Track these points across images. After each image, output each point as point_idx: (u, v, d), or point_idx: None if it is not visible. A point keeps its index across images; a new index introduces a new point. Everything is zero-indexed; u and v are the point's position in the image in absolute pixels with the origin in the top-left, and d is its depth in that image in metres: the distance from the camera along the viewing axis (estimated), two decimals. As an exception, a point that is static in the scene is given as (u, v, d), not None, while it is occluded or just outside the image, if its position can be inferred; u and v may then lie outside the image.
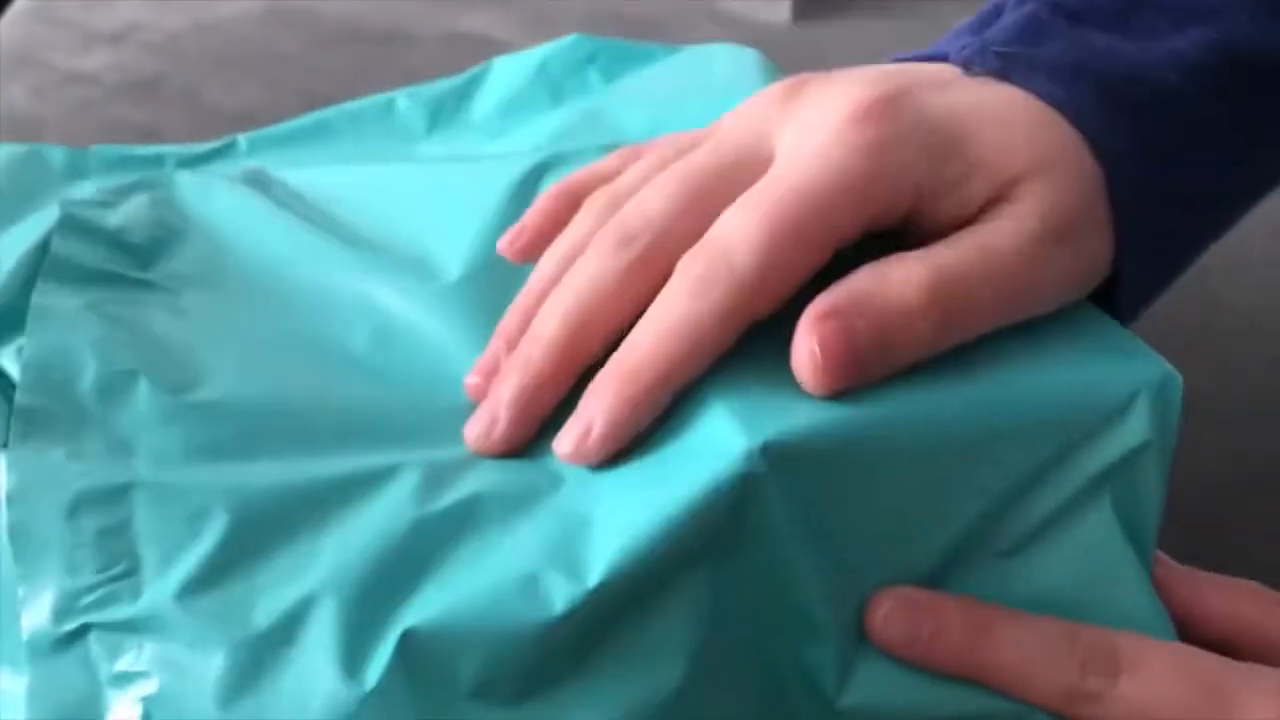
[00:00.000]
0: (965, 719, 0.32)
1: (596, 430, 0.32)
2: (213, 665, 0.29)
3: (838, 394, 0.32)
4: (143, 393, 0.35)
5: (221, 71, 0.68)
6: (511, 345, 0.35)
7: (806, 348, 0.32)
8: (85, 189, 0.43)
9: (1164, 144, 0.37)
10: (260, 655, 0.29)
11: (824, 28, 0.75)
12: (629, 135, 0.47)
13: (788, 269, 0.33)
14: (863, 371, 0.32)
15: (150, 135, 0.60)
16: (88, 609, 0.31)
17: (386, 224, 0.42)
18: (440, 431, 0.35)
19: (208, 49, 0.70)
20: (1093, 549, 0.33)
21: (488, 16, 0.73)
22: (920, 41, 0.74)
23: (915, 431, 0.32)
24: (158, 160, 0.51)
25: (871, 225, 0.35)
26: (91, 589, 0.31)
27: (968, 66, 0.37)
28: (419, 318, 0.38)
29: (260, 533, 0.31)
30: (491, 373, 0.35)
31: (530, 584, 0.30)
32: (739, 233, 0.33)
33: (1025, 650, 0.32)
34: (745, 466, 0.31)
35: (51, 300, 0.38)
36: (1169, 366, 0.34)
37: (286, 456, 0.34)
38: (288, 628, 0.30)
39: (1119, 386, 0.33)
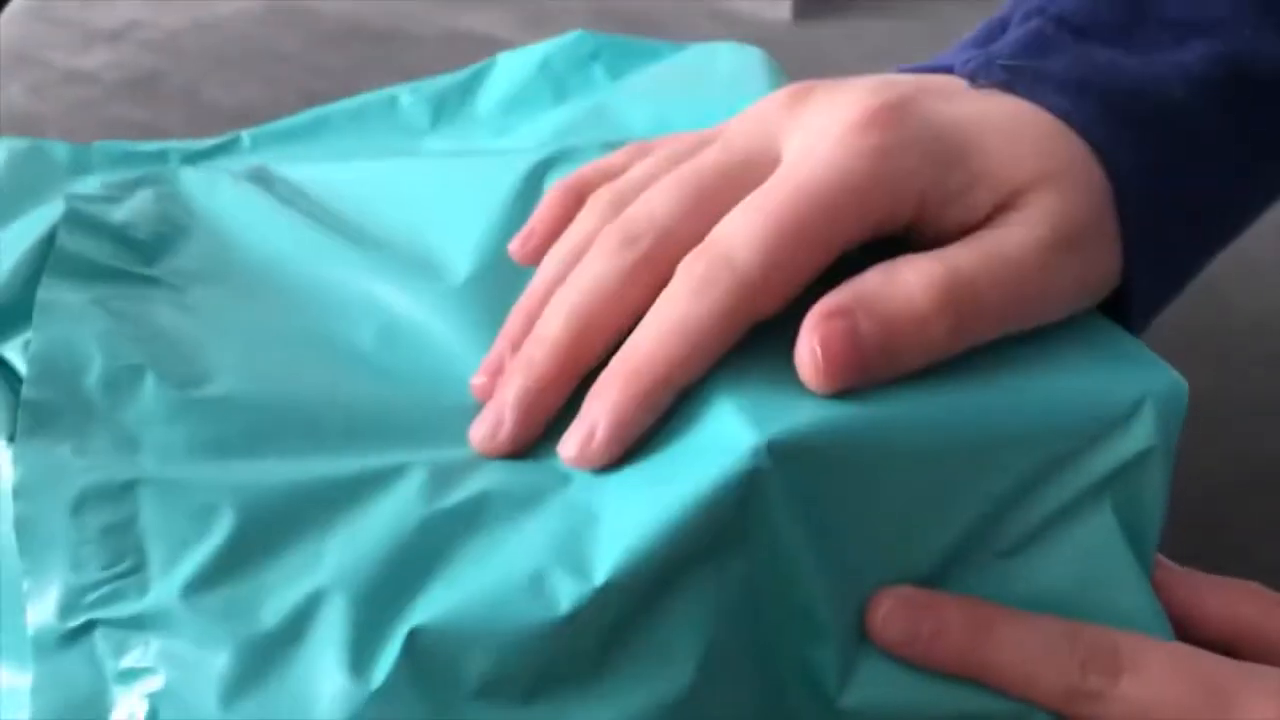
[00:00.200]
0: (966, 718, 0.32)
1: (600, 434, 0.32)
2: (219, 662, 0.29)
3: (841, 393, 0.32)
4: (149, 388, 0.35)
5: (221, 70, 0.68)
6: (516, 346, 0.35)
7: (809, 346, 0.32)
8: (89, 184, 0.43)
9: (1169, 157, 0.37)
10: (267, 653, 0.29)
11: (824, 27, 0.75)
12: (633, 132, 0.47)
13: (790, 269, 0.33)
14: (866, 371, 0.32)
15: (149, 133, 0.60)
16: (94, 605, 0.30)
17: (391, 221, 0.42)
18: (447, 431, 0.35)
19: (207, 47, 0.70)
20: (1092, 551, 0.33)
21: (488, 15, 0.73)
22: (920, 41, 0.74)
23: (920, 433, 0.32)
24: (161, 156, 0.51)
25: (876, 231, 0.35)
26: (97, 585, 0.31)
27: (973, 79, 0.37)
28: (425, 317, 0.38)
29: (268, 530, 0.31)
30: (497, 373, 0.35)
31: (537, 583, 0.30)
32: (742, 232, 0.33)
33: (1026, 649, 0.32)
34: (752, 462, 0.31)
35: (57, 295, 0.37)
36: (1176, 375, 0.34)
37: (293, 454, 0.34)
38: (294, 626, 0.30)
39: (1126, 393, 0.33)
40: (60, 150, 0.49)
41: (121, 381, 0.35)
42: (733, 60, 0.53)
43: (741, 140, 0.37)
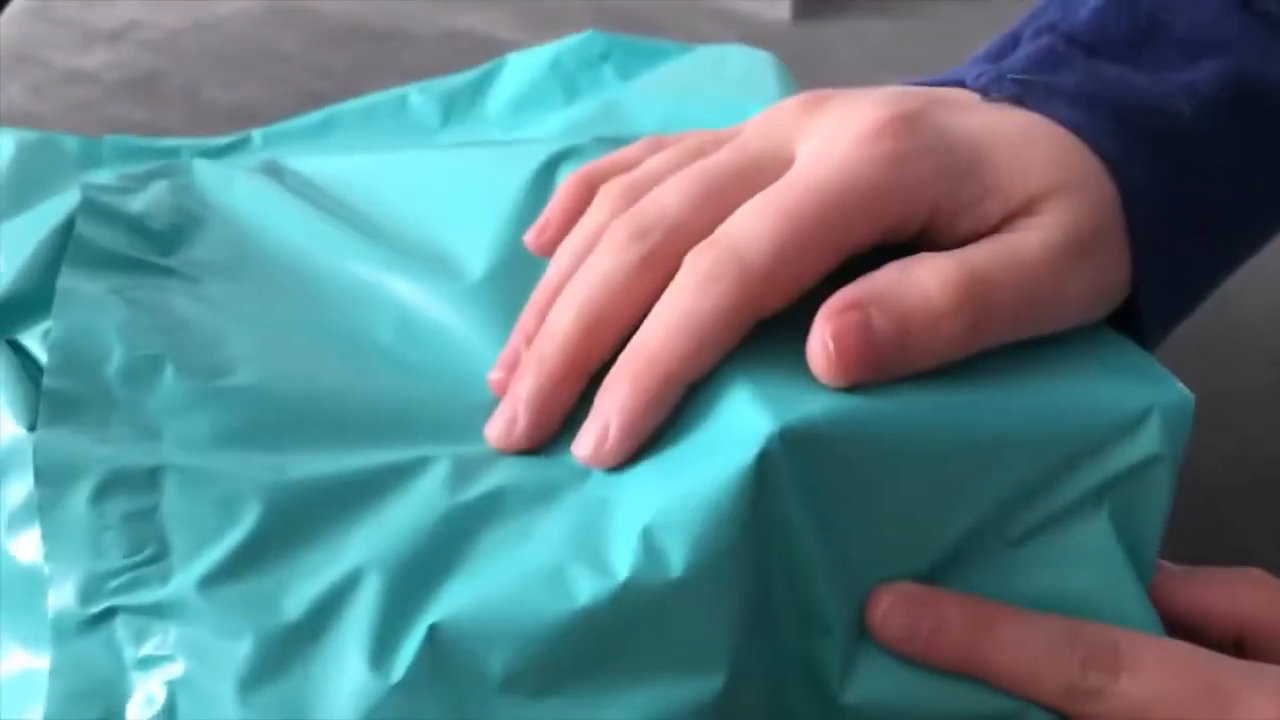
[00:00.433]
0: (966, 716, 0.32)
1: (613, 433, 0.33)
2: (239, 652, 0.29)
3: (852, 387, 0.32)
4: (169, 378, 0.35)
5: (221, 69, 0.68)
6: (530, 340, 0.36)
7: (821, 339, 0.32)
8: (103, 176, 0.43)
9: (1179, 172, 0.37)
10: (287, 644, 0.29)
11: (824, 27, 0.75)
12: (643, 130, 0.48)
13: (797, 266, 0.33)
14: (878, 366, 0.32)
15: (149, 133, 0.60)
16: (115, 592, 0.31)
17: (404, 214, 0.42)
18: (467, 426, 0.35)
19: (207, 47, 0.70)
20: (1087, 556, 0.33)
21: (487, 14, 0.73)
22: (920, 41, 0.74)
23: (929, 431, 0.32)
24: (173, 153, 0.51)
25: (885, 237, 0.35)
26: (119, 572, 0.31)
27: (985, 92, 0.38)
28: (444, 313, 0.39)
29: (292, 523, 0.31)
30: (513, 367, 0.36)
31: (556, 578, 0.30)
32: (750, 228, 0.34)
33: (1026, 647, 0.32)
34: (765, 448, 0.31)
35: (77, 283, 0.37)
36: (1183, 389, 0.34)
37: (315, 446, 0.34)
38: (317, 618, 0.30)
39: (1133, 403, 0.33)
40: (70, 143, 0.49)
41: (141, 371, 0.35)
42: (743, 63, 0.53)
43: (756, 141, 0.37)
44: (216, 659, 0.29)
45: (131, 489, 0.32)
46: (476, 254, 0.40)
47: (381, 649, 0.29)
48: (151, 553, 0.31)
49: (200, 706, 0.29)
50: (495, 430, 0.34)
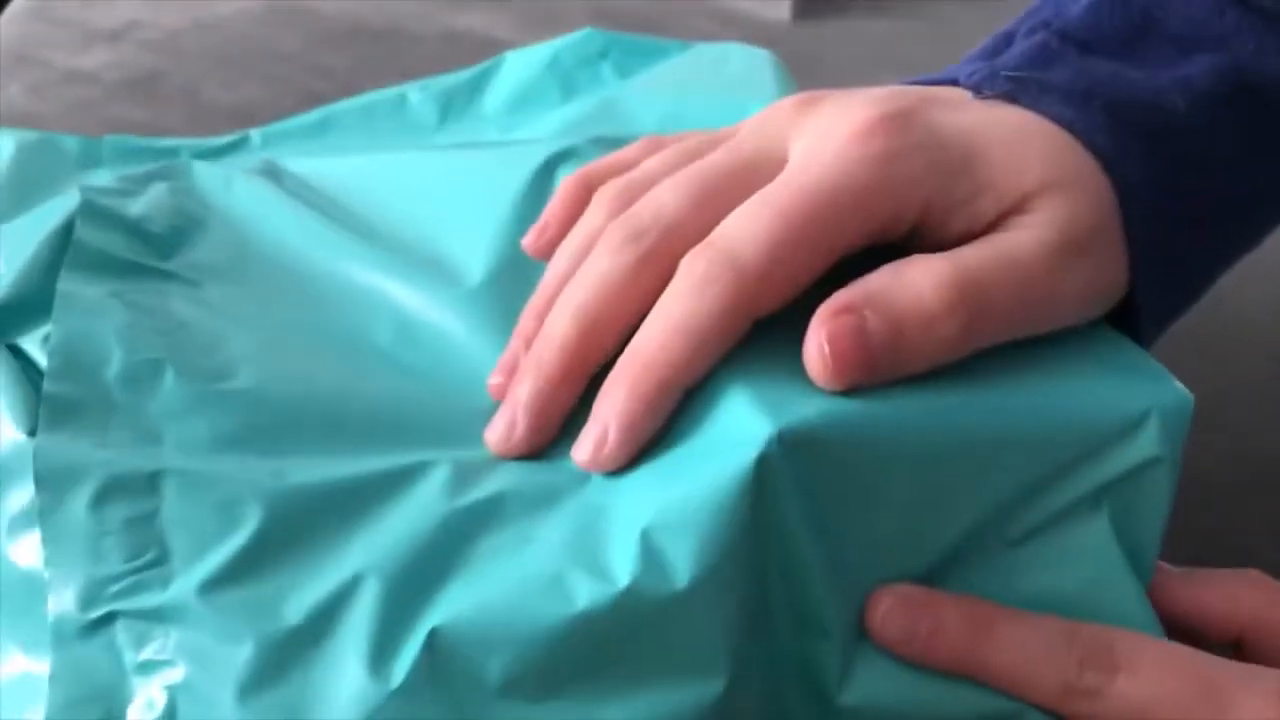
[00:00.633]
0: (964, 717, 0.32)
1: (611, 438, 0.33)
2: (239, 657, 0.29)
3: (848, 390, 0.32)
4: (169, 382, 0.35)
5: (221, 69, 0.68)
6: (529, 344, 0.36)
7: (817, 342, 0.32)
8: (103, 176, 0.43)
9: (1174, 167, 0.37)
10: (287, 649, 0.29)
11: (824, 26, 0.75)
12: (642, 128, 0.48)
13: (791, 267, 0.33)
14: (874, 368, 0.32)
15: (149, 133, 0.60)
16: (115, 597, 0.31)
17: (402, 216, 0.42)
18: (467, 431, 0.35)
19: (207, 47, 0.70)
20: (1086, 557, 0.33)
21: (486, 14, 0.73)
22: (919, 41, 0.74)
23: (926, 433, 0.32)
24: (172, 153, 0.51)
25: (879, 235, 0.35)
26: (119, 577, 0.31)
27: (978, 90, 0.37)
28: (443, 317, 0.39)
29: (293, 528, 0.31)
30: (512, 371, 0.36)
31: (555, 583, 0.30)
32: (744, 229, 0.34)
33: (1024, 648, 0.32)
34: (763, 451, 0.31)
35: (76, 287, 0.37)
36: (1182, 389, 0.34)
37: (316, 450, 0.34)
38: (317, 623, 0.30)
39: (1132, 404, 0.33)
40: (70, 143, 0.49)
41: (141, 375, 0.35)
42: (742, 61, 0.53)
43: (751, 141, 0.37)
44: (216, 664, 0.29)
45: (132, 494, 0.32)
46: (475, 257, 0.40)
47: (381, 654, 0.29)
48: (152, 557, 0.31)
49: (200, 711, 0.29)
50: (494, 434, 0.34)
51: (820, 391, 0.32)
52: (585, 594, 0.30)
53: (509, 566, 0.31)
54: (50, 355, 0.35)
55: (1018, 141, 0.36)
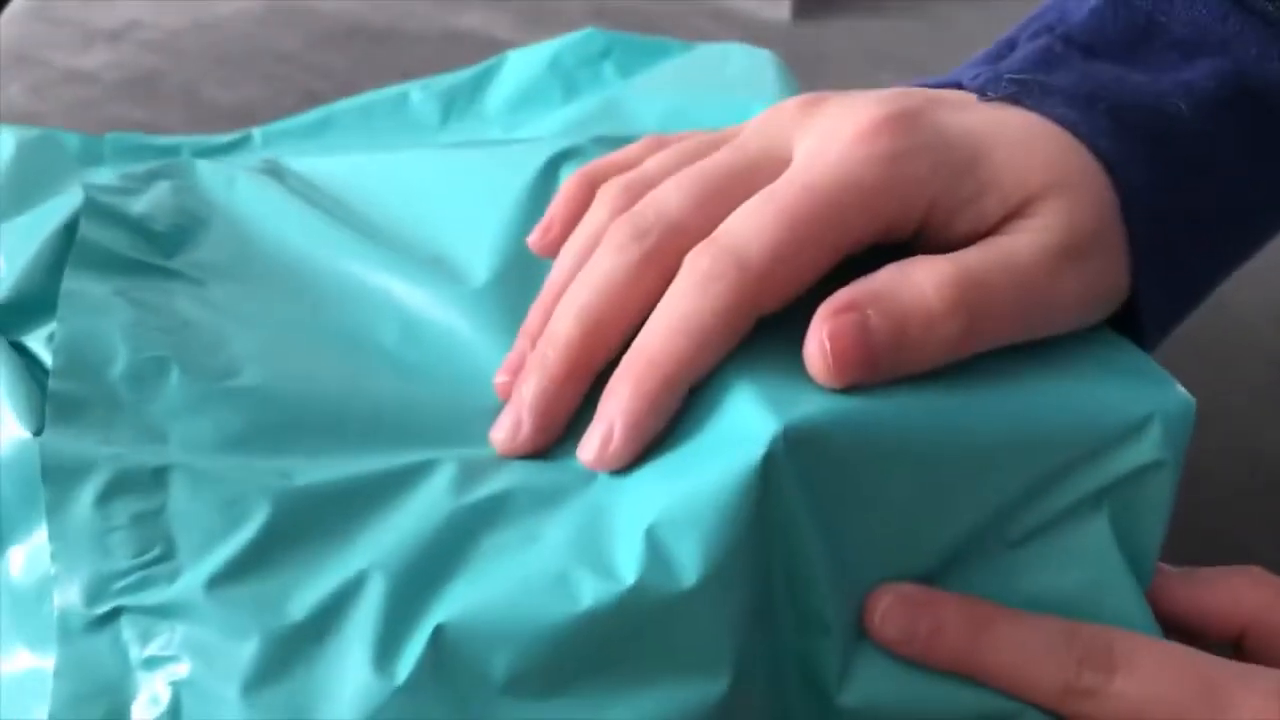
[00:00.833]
0: (963, 717, 0.32)
1: (617, 437, 0.33)
2: (244, 653, 0.29)
3: (849, 388, 0.32)
4: (174, 380, 0.35)
5: (221, 69, 0.68)
6: (535, 342, 0.36)
7: (818, 340, 0.32)
8: (105, 174, 0.43)
9: (1176, 170, 0.37)
10: (292, 645, 0.29)
11: (823, 26, 0.75)
12: (644, 128, 0.48)
13: (795, 265, 0.34)
14: (875, 367, 0.32)
15: (150, 133, 0.60)
16: (122, 592, 0.31)
17: (407, 217, 0.42)
18: (473, 429, 0.35)
19: (207, 46, 0.70)
20: (1086, 559, 0.33)
21: (486, 14, 0.73)
22: (919, 41, 0.74)
23: (929, 433, 0.32)
24: (173, 151, 0.51)
25: (883, 235, 0.35)
26: (126, 573, 0.31)
27: (983, 93, 0.38)
28: (449, 316, 0.39)
29: (299, 525, 0.31)
30: (518, 370, 0.36)
31: (560, 580, 0.30)
32: (748, 227, 0.34)
33: (1023, 648, 0.32)
34: (768, 448, 0.31)
35: (81, 286, 0.37)
36: (1185, 393, 0.34)
37: (321, 448, 0.34)
38: (322, 619, 0.30)
39: (1135, 408, 0.33)
40: (71, 140, 0.49)
41: (147, 373, 0.35)
42: (743, 61, 0.53)
43: (755, 141, 0.37)
44: (221, 659, 0.29)
45: (138, 490, 0.32)
46: (480, 255, 0.40)
47: (385, 651, 0.29)
48: (158, 553, 0.31)
49: (205, 706, 0.29)
50: (500, 434, 0.34)
51: (824, 390, 0.32)
52: (590, 592, 0.30)
53: (514, 564, 0.31)
54: (55, 353, 0.35)
55: (1022, 143, 0.36)
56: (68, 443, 0.33)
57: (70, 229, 0.39)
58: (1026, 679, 0.32)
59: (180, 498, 0.32)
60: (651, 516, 0.31)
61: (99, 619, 0.30)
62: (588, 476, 0.33)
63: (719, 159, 0.37)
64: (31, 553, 0.33)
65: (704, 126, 0.43)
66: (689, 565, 0.30)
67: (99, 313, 0.37)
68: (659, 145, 0.40)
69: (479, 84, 0.54)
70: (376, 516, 0.32)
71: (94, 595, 0.31)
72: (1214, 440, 0.51)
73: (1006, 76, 0.38)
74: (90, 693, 0.30)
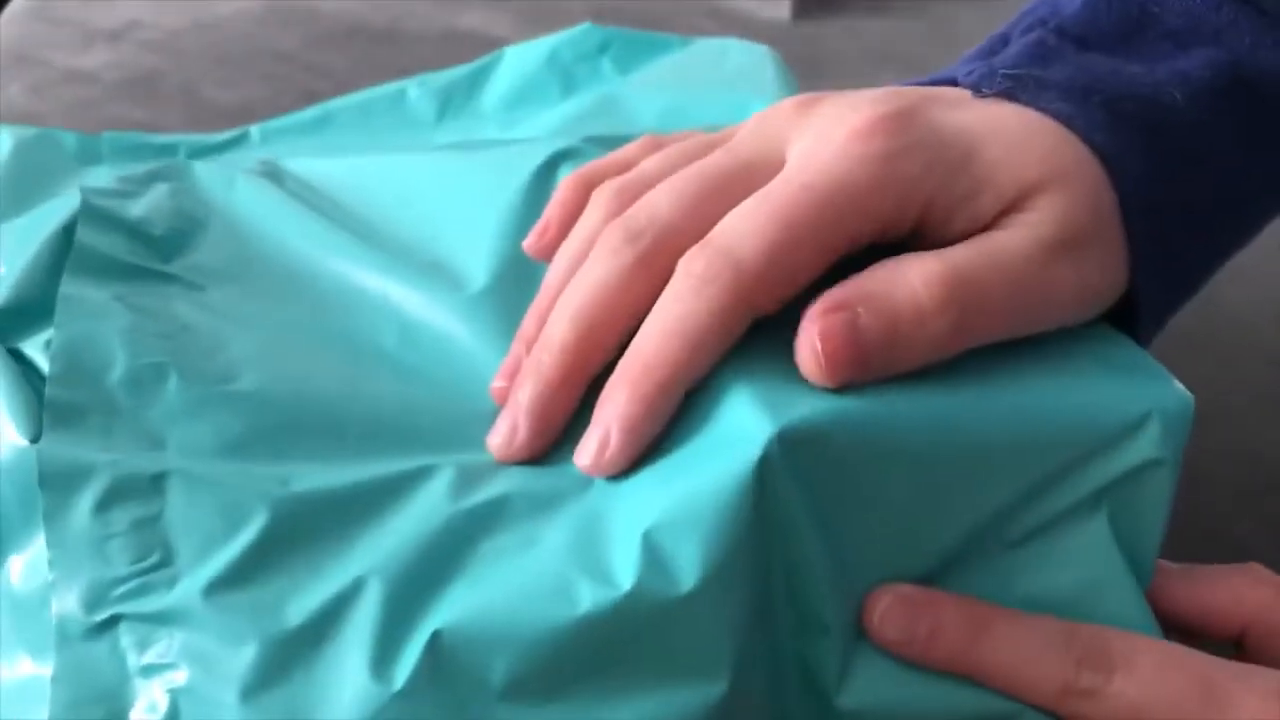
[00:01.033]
0: (962, 718, 0.32)
1: (613, 442, 0.33)
2: (242, 659, 0.29)
3: (842, 387, 0.32)
4: (172, 385, 0.35)
5: (221, 69, 0.68)
6: (530, 347, 0.36)
7: (809, 339, 0.32)
8: (102, 176, 0.43)
9: (1172, 161, 0.37)
10: (290, 651, 0.29)
11: (823, 26, 0.75)
12: (642, 123, 0.47)
13: (789, 267, 0.33)
14: (866, 366, 0.32)
15: (150, 132, 0.60)
16: (120, 599, 0.31)
17: (404, 218, 0.42)
18: (470, 434, 0.35)
19: (207, 47, 0.70)
20: (1085, 559, 0.33)
21: (487, 14, 0.73)
22: (919, 40, 0.74)
23: (926, 433, 0.32)
24: (170, 150, 0.51)
25: (878, 235, 0.35)
26: (124, 579, 0.31)
27: (977, 89, 0.37)
28: (446, 320, 0.39)
29: (297, 529, 0.31)
30: (514, 375, 0.35)
31: (558, 585, 0.30)
32: (742, 229, 0.34)
33: (1022, 648, 0.32)
34: (764, 451, 0.31)
35: (78, 291, 0.37)
36: (1183, 390, 0.34)
37: (320, 453, 0.34)
38: (320, 625, 0.30)
39: (1133, 406, 0.33)
40: (68, 139, 0.49)
41: (145, 379, 0.35)
42: (741, 56, 0.53)
43: (748, 143, 0.37)
44: (219, 666, 0.29)
45: (136, 496, 0.32)
46: (477, 258, 0.40)
47: (383, 656, 0.29)
48: (156, 560, 0.31)
49: (203, 713, 0.29)
50: (496, 439, 0.34)
51: (821, 390, 0.32)
52: (588, 597, 0.30)
53: (512, 569, 0.31)
54: (52, 360, 0.35)
55: (1017, 138, 0.36)
56: (65, 449, 0.33)
57: (68, 233, 0.39)
58: (1025, 680, 0.31)
59: (178, 504, 0.32)
60: (649, 520, 0.31)
61: (97, 626, 0.30)
62: (585, 480, 0.33)
63: (713, 161, 0.36)
64: (32, 560, 0.33)
65: (703, 123, 0.43)
66: (687, 569, 0.30)
67: (97, 318, 0.37)
68: (655, 146, 0.40)
69: (476, 80, 0.54)
70: (374, 522, 0.32)
71: (93, 602, 0.31)
72: (1214, 441, 0.51)
73: (1001, 72, 0.38)
74: (88, 700, 0.30)
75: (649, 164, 0.38)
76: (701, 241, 0.34)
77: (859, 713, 0.32)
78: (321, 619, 0.30)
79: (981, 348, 0.34)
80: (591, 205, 0.38)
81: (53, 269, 0.38)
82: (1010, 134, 0.36)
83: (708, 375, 0.33)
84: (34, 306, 0.37)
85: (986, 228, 0.35)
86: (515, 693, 0.29)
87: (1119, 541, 0.33)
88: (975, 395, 0.33)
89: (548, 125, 0.50)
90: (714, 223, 0.34)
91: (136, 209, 0.41)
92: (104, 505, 0.32)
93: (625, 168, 0.39)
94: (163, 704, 0.29)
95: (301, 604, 0.30)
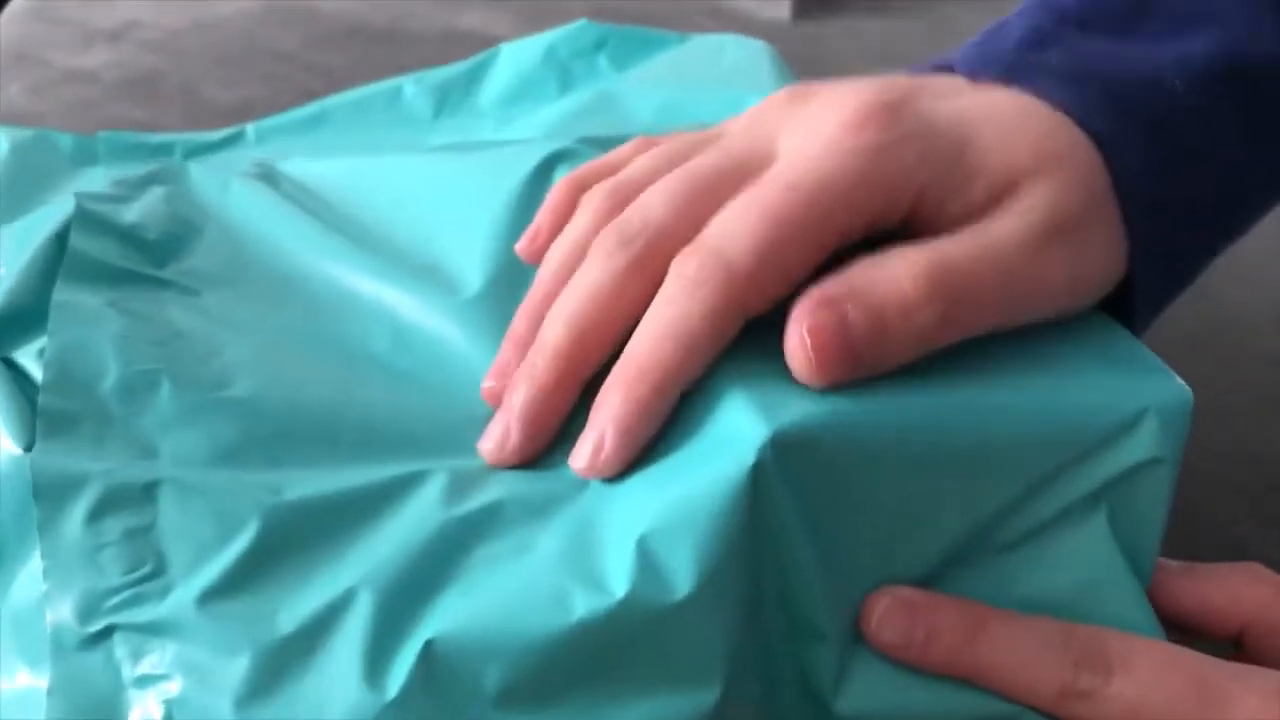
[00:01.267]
0: (961, 721, 0.32)
1: (609, 444, 0.32)
2: (235, 669, 0.29)
3: (832, 384, 0.32)
4: (165, 393, 0.35)
5: (220, 69, 0.68)
6: (521, 348, 0.35)
7: (798, 335, 0.32)
8: (97, 180, 0.43)
9: (1170, 146, 0.37)
10: (283, 660, 0.29)
11: (823, 25, 0.75)
12: (639, 120, 0.47)
13: (781, 265, 0.33)
14: (856, 361, 0.32)
15: (149, 132, 0.60)
16: (114, 610, 0.30)
17: (399, 222, 0.41)
18: (463, 439, 0.35)
19: (207, 46, 0.70)
20: (1085, 558, 0.33)
21: (486, 14, 0.73)
22: (919, 40, 0.74)
23: (923, 435, 0.32)
24: (166, 149, 0.50)
25: (871, 228, 0.35)
26: (118, 590, 0.31)
27: (974, 75, 0.37)
28: (440, 324, 0.38)
29: (290, 539, 0.31)
30: (505, 375, 0.35)
31: (552, 593, 0.30)
32: (733, 229, 0.33)
33: (1019, 650, 0.32)
34: (757, 456, 0.30)
35: (72, 297, 0.37)
36: (1182, 385, 0.34)
37: (313, 460, 0.34)
38: (313, 633, 0.30)
39: (1131, 403, 0.33)
40: (64, 140, 0.49)
41: (138, 387, 0.35)
42: (739, 52, 0.53)
43: (739, 140, 0.37)
44: (213, 677, 0.29)
45: (129, 505, 0.32)
46: (472, 262, 0.40)
47: (376, 665, 0.29)
48: (150, 569, 0.31)
49: None
50: (489, 444, 0.34)
51: (814, 392, 0.32)
52: (582, 604, 0.30)
53: (505, 576, 0.30)
54: (46, 368, 0.35)
55: (1011, 125, 0.36)
56: (58, 458, 0.33)
57: (61, 238, 0.39)
58: (1024, 681, 0.31)
59: (170, 513, 0.32)
60: (643, 526, 0.30)
61: (92, 637, 0.30)
62: (578, 485, 0.33)
63: (704, 160, 0.36)
64: (30, 570, 0.33)
65: (700, 120, 0.43)
66: (681, 575, 0.30)
67: (90, 325, 0.36)
68: (648, 147, 0.40)
69: (473, 77, 0.54)
70: (367, 529, 0.32)
71: (86, 612, 0.30)
72: (1214, 441, 0.51)
73: (998, 58, 0.38)
74: (83, 711, 0.30)
75: (640, 165, 0.38)
76: (693, 243, 0.34)
77: (857, 718, 0.32)
78: (314, 628, 0.30)
79: (976, 343, 0.34)
80: (581, 208, 0.37)
81: (47, 275, 0.38)
82: (1003, 120, 0.36)
83: (702, 376, 0.33)
84: (28, 313, 0.37)
85: (980, 216, 0.35)
86: (509, 701, 0.29)
87: (1119, 541, 0.33)
88: (971, 395, 0.33)
89: (544, 122, 0.50)
90: (706, 222, 0.34)
91: (131, 214, 0.41)
92: (96, 515, 0.32)
93: (618, 169, 0.39)
94: (157, 715, 0.29)
95: (294, 613, 0.30)
